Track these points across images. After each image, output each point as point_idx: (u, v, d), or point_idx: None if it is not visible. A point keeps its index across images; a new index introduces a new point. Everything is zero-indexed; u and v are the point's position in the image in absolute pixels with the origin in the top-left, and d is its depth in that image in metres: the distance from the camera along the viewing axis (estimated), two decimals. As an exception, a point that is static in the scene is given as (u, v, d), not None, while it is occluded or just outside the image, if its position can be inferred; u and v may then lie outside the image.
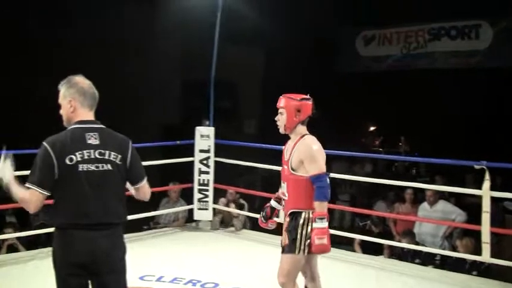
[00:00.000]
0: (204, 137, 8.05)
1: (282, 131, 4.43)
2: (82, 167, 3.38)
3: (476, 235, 6.28)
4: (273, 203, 4.75)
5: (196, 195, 8.10)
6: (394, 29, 14.83)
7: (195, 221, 8.40)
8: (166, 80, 14.26)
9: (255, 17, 11.62)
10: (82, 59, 10.98)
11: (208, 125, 8.27)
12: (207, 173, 8.07)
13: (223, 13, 8.05)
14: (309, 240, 4.20)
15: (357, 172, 12.05)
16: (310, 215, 4.21)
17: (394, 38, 14.88)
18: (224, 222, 8.37)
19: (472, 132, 14.79)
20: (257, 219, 4.93)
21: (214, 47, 8.14)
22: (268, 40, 14.42)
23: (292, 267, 4.30)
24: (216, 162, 8.12)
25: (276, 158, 4.91)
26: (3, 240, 7.33)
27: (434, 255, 7.30)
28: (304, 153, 4.24)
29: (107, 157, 3.45)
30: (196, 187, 8.10)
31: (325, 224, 4.15)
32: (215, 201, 8.20)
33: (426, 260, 7.27)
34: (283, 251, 4.35)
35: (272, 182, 7.16)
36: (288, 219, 4.36)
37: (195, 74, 11.74)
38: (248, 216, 8.28)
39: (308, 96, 4.42)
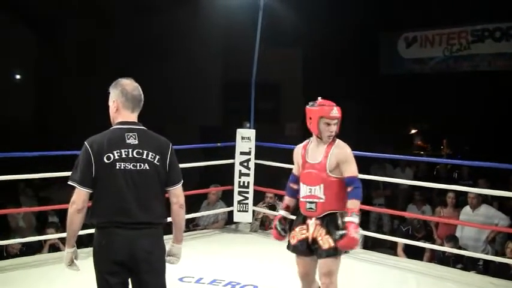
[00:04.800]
0: (245, 139, 8.05)
1: (329, 140, 4.46)
2: (119, 165, 3.44)
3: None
4: (283, 212, 4.81)
5: (236, 197, 8.10)
6: (435, 31, 14.66)
7: (235, 223, 8.41)
8: (207, 82, 14.31)
9: (296, 18, 11.60)
10: (123, 61, 11.10)
11: (249, 127, 8.27)
12: (248, 175, 8.07)
13: (264, 13, 8.03)
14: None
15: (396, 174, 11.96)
16: (343, 216, 4.32)
17: (436, 40, 14.70)
18: (263, 225, 8.37)
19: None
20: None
21: (255, 48, 8.13)
22: (309, 42, 14.38)
23: (337, 267, 4.40)
24: (256, 164, 8.13)
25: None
26: (46, 240, 7.46)
27: (477, 260, 7.18)
28: (341, 157, 4.39)
29: (144, 157, 3.50)
30: (236, 189, 8.10)
31: (358, 220, 4.28)
32: (255, 204, 8.20)
33: (468, 265, 7.16)
34: (323, 255, 4.37)
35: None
36: (319, 221, 4.41)
37: (237, 75, 11.75)
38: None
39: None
